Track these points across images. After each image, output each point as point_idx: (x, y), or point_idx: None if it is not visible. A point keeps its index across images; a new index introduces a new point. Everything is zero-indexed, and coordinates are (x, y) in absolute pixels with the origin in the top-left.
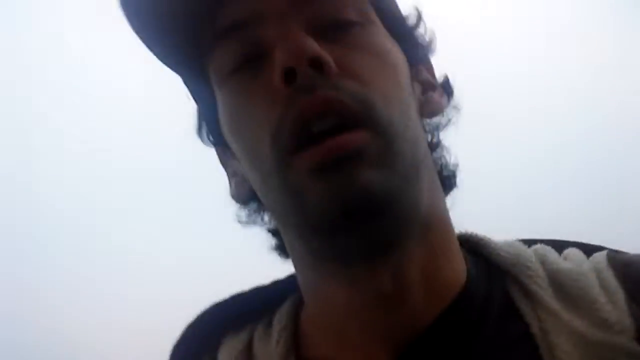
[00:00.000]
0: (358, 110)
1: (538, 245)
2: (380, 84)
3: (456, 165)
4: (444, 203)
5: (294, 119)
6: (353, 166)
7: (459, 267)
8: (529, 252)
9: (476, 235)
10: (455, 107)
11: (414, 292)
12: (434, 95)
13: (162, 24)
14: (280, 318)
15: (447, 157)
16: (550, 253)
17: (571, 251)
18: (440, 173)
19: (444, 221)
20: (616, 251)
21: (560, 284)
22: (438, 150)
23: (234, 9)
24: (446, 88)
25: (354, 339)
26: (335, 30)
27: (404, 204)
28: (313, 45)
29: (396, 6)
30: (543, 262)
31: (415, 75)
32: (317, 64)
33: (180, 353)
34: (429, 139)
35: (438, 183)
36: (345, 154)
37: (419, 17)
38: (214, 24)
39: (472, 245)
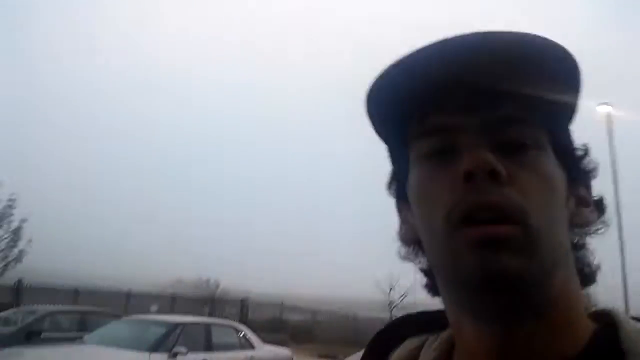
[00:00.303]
0: (514, 213)
1: None
2: (536, 199)
3: (598, 266)
4: (577, 291)
5: (465, 208)
6: (499, 251)
7: (570, 345)
8: None
9: (614, 314)
10: (604, 222)
11: (520, 356)
12: (585, 210)
13: (391, 124)
14: (444, 335)
15: (590, 257)
16: None
17: None
18: (581, 270)
19: (571, 308)
20: None
21: None
22: (582, 251)
23: (444, 118)
24: (599, 206)
25: None
26: (514, 150)
27: (533, 289)
28: (492, 160)
29: (569, 139)
30: None
31: (572, 191)
32: (492, 173)
33: (378, 340)
34: (575, 240)
35: (575, 277)
36: (496, 239)
37: (587, 150)
38: (423, 124)
39: (609, 321)
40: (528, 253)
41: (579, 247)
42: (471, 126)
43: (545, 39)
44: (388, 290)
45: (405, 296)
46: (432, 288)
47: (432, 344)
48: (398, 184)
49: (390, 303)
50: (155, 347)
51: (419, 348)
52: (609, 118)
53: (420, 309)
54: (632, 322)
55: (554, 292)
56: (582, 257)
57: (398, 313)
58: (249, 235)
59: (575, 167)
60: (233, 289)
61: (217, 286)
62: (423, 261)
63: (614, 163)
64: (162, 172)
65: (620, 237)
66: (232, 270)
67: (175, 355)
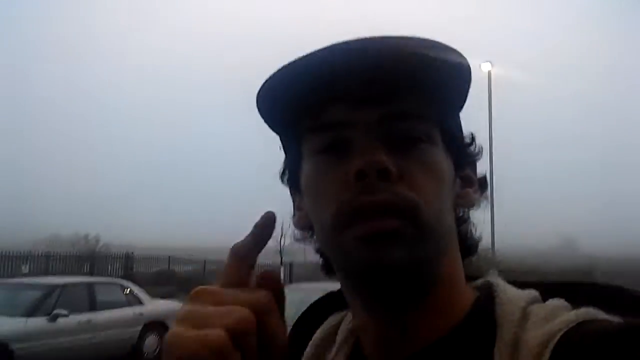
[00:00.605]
0: (404, 209)
1: (551, 302)
2: (426, 192)
3: (479, 237)
4: (459, 268)
5: (355, 207)
6: (387, 245)
7: (451, 321)
8: (516, 314)
9: (493, 285)
10: (486, 197)
11: (402, 338)
12: (470, 191)
13: (283, 120)
14: None
15: (472, 230)
16: (539, 313)
17: (567, 316)
18: (463, 242)
19: (454, 285)
20: (591, 323)
21: (516, 346)
22: (464, 224)
23: (336, 113)
24: (482, 184)
25: (368, 346)
26: (406, 144)
27: (419, 279)
28: (383, 159)
29: (458, 128)
30: (523, 323)
31: (458, 173)
32: (382, 172)
33: (304, 318)
34: (460, 214)
35: (458, 253)
36: (383, 233)
37: (473, 138)
38: (315, 119)
39: (490, 292)
40: (417, 246)
41: (462, 220)
42: (365, 121)
43: (438, 43)
44: (279, 237)
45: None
46: (328, 269)
47: (349, 319)
48: (291, 174)
49: (281, 249)
50: (31, 311)
51: (339, 324)
52: (489, 76)
53: (309, 254)
54: (510, 290)
55: (440, 275)
56: (464, 230)
57: (288, 258)
58: (131, 187)
59: (462, 153)
60: (116, 244)
61: (98, 242)
62: (317, 243)
63: (490, 118)
64: (33, 117)
65: (491, 185)
66: (114, 224)
67: (55, 317)
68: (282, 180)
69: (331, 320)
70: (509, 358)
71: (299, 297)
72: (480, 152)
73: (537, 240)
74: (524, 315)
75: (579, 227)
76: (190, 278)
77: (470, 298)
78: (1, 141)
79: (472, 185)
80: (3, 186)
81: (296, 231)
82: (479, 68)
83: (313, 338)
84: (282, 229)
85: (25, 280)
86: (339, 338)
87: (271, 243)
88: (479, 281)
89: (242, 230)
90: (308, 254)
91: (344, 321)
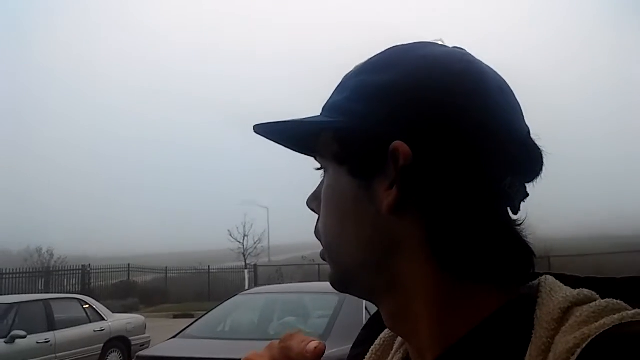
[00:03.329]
0: (319, 237)
1: (600, 302)
2: (324, 222)
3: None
4: (425, 276)
5: None
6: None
7: (442, 327)
8: (555, 316)
9: (540, 285)
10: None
11: (419, 345)
12: (381, 196)
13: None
14: None
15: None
16: (580, 315)
17: (610, 319)
18: (438, 251)
19: (414, 290)
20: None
21: (548, 352)
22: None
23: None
24: (400, 176)
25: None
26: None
27: (354, 284)
28: (308, 201)
29: (355, 140)
30: (560, 326)
31: (375, 179)
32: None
33: (372, 320)
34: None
35: (425, 265)
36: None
37: (378, 137)
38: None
39: (535, 293)
40: (331, 263)
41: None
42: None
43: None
44: (242, 239)
45: (260, 242)
46: None
47: None
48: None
49: (245, 251)
50: None
51: None
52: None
53: (274, 252)
54: (558, 290)
55: (381, 282)
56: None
57: (252, 260)
58: (84, 198)
59: (361, 161)
60: (71, 256)
61: (52, 255)
62: None
63: None
64: None
65: None
66: (68, 237)
67: (13, 339)
68: None
69: None
70: (541, 356)
71: (265, 299)
72: (396, 154)
73: None
74: (565, 318)
75: (535, 212)
76: (151, 288)
77: (497, 303)
78: None
79: (387, 187)
80: None
81: None
82: None
83: (377, 340)
84: (244, 229)
85: None
86: (397, 341)
87: (235, 245)
88: (535, 282)
89: (202, 236)
90: (273, 253)
91: None
